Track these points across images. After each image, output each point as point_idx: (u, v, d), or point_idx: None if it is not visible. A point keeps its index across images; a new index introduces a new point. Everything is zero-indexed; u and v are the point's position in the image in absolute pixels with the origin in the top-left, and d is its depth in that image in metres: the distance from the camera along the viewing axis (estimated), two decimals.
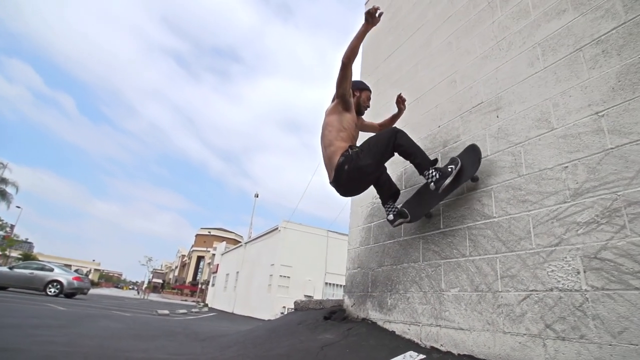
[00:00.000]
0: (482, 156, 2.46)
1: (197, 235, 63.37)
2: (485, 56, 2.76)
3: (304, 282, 14.78)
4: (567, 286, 1.79)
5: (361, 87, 2.92)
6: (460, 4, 3.22)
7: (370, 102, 3.01)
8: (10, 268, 13.78)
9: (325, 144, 2.63)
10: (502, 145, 2.38)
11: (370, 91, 2.98)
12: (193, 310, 16.20)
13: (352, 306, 3.46)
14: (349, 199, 4.19)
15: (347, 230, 4.16)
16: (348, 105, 2.67)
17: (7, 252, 38.09)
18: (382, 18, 2.58)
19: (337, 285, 15.24)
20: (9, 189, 30.58)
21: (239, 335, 4.50)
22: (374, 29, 2.64)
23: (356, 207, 4.01)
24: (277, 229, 15.97)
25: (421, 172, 2.46)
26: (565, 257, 1.83)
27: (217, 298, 24.80)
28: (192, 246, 63.64)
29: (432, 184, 2.36)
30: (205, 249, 53.10)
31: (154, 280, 61.69)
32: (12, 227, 39.33)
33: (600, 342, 1.61)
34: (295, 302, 4.48)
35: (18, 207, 35.92)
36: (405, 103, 3.18)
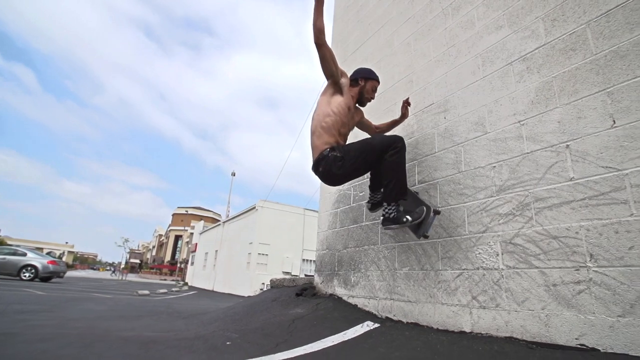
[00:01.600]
0: (431, 153, 2.81)
1: (174, 215, 62.79)
2: (437, 60, 3.06)
3: (282, 259, 15.27)
4: (489, 265, 2.20)
5: (367, 75, 2.65)
6: (419, 7, 3.48)
7: (372, 87, 2.70)
8: None
9: (312, 129, 2.49)
10: (447, 144, 2.73)
11: (377, 81, 2.70)
12: (173, 289, 16.48)
13: (321, 283, 3.85)
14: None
15: (320, 200, 4.50)
16: (337, 88, 2.50)
17: None
18: (349, 11, 2.77)
19: (314, 261, 15.85)
20: None
21: (220, 312, 4.85)
22: (341, 21, 2.82)
23: (325, 193, 4.34)
24: (254, 208, 16.25)
25: (385, 200, 2.38)
26: (489, 242, 2.23)
27: (197, 276, 25.12)
28: (170, 225, 63.14)
29: (383, 217, 2.38)
30: (182, 227, 52.84)
31: (132, 260, 61.09)
32: None
33: (509, 309, 2.03)
34: (271, 280, 4.85)
35: None
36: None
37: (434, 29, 3.20)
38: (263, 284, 13.17)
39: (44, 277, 13.29)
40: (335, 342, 2.35)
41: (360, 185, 3.65)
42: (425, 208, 2.29)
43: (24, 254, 13.87)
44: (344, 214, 3.83)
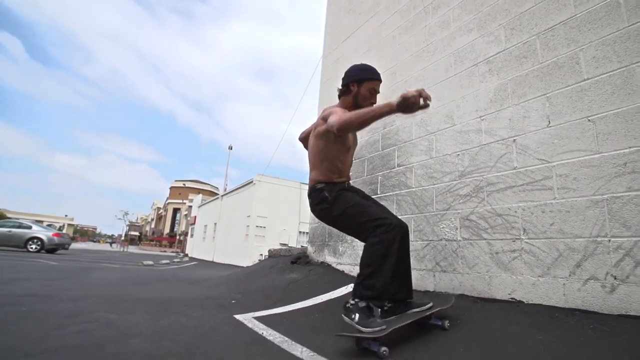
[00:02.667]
0: (409, 140, 3.21)
1: (171, 188, 63.30)
2: (417, 56, 3.40)
3: (279, 232, 15.89)
4: (450, 237, 2.66)
5: (361, 77, 2.07)
6: (404, 2, 3.76)
7: (368, 91, 2.12)
8: None
9: (310, 166, 2.15)
10: (422, 133, 3.13)
11: (376, 80, 2.11)
12: (175, 260, 17.20)
13: (313, 253, 4.34)
14: None
15: None
16: (340, 139, 2.03)
17: None
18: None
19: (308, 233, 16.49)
20: None
21: (223, 278, 5.38)
22: (334, 8, 2.94)
23: None
24: (252, 182, 16.70)
25: (353, 293, 1.84)
26: (450, 218, 2.68)
27: (197, 248, 25.90)
28: (167, 198, 63.78)
29: (345, 308, 1.80)
30: (180, 201, 53.50)
31: (131, 233, 62.25)
32: None
33: (463, 272, 2.51)
34: (269, 251, 5.36)
35: None
36: None
37: (416, 25, 3.52)
38: (261, 254, 13.82)
39: (49, 249, 13.83)
40: (324, 300, 2.84)
41: None
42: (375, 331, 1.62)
43: (29, 227, 14.38)
44: None
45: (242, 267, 8.76)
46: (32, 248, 13.39)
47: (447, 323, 1.91)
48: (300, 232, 16.59)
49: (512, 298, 2.19)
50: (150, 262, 12.54)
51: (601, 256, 1.84)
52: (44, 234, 14.05)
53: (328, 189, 1.99)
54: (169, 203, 61.53)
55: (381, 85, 3.31)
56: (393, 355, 1.63)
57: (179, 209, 55.99)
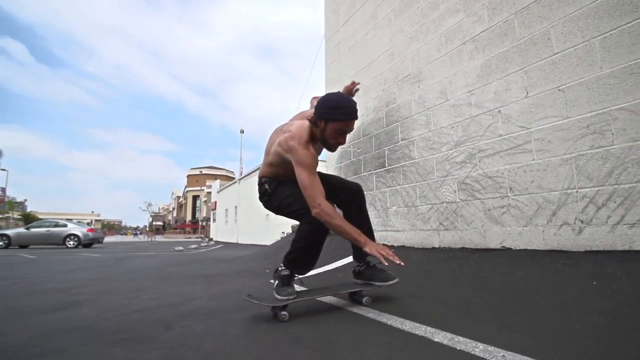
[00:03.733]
0: (409, 116, 3.56)
1: (188, 176, 64.75)
2: (412, 37, 3.68)
3: None
4: (450, 200, 3.05)
5: (328, 117, 1.78)
6: None
7: (335, 131, 1.82)
8: (27, 228, 15.07)
9: (264, 158, 2.10)
10: (421, 109, 3.46)
11: (345, 121, 1.80)
12: (202, 244, 18.12)
13: None
14: None
15: (327, 157, 5.33)
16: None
17: (10, 214, 39.35)
18: None
19: None
20: None
21: (253, 255, 5.94)
22: None
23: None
24: None
25: (282, 260, 1.98)
26: (450, 183, 3.06)
27: (220, 232, 26.92)
28: (186, 187, 65.38)
29: (275, 272, 2.01)
30: (199, 188, 54.88)
31: (155, 223, 64.44)
32: (3, 190, 39.66)
33: (462, 229, 2.91)
34: (292, 227, 5.85)
35: (3, 169, 36.21)
36: (359, 66, 4.05)
37: (409, 6, 3.77)
38: (283, 232, 14.46)
39: (85, 243, 14.81)
40: (345, 263, 3.31)
41: (357, 144, 4.44)
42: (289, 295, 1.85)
43: (65, 225, 15.40)
44: (346, 167, 4.66)
45: (266, 245, 9.35)
46: (70, 244, 14.40)
47: (366, 300, 2.04)
48: None
49: (502, 246, 2.59)
50: (181, 248, 13.37)
51: (571, 205, 2.21)
52: (79, 230, 15.05)
53: (269, 181, 2.03)
54: (187, 191, 63.12)
55: (383, 65, 3.39)
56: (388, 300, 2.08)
57: (198, 195, 57.47)
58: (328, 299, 2.21)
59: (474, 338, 1.36)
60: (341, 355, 1.28)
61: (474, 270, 2.41)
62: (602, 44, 2.13)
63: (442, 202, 3.13)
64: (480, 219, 2.78)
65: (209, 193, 37.03)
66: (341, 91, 2.12)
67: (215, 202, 29.49)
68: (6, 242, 13.92)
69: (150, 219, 67.58)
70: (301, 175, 1.76)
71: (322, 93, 5.21)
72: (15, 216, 42.54)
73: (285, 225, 14.66)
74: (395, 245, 3.61)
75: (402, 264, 1.67)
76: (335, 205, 2.07)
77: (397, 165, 3.70)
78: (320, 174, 1.99)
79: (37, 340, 1.56)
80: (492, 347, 1.26)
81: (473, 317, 1.67)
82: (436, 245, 3.15)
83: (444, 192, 3.12)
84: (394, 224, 3.67)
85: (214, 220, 30.35)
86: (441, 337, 1.40)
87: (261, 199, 2.12)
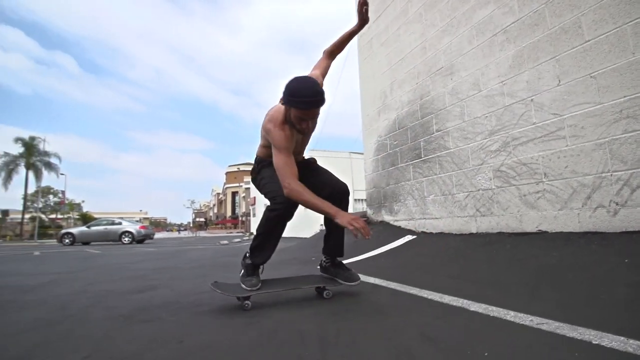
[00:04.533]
0: (443, 108, 3.69)
1: (227, 173, 67.09)
2: (443, 30, 3.79)
3: None
4: (486, 187, 3.18)
5: (288, 102, 1.75)
6: None
7: (297, 117, 1.76)
8: (88, 227, 16.52)
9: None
10: (454, 100, 3.58)
11: (302, 110, 1.73)
12: (244, 238, 18.93)
13: (372, 214, 5.02)
14: (366, 121, 5.49)
15: (364, 150, 5.54)
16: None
17: (70, 215, 43.12)
18: None
19: (364, 200, 17.18)
20: (53, 159, 33.84)
21: (296, 245, 6.30)
22: None
23: (367, 144, 5.35)
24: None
25: (247, 251, 2.08)
26: (485, 171, 3.19)
27: None
28: (225, 184, 67.83)
29: (242, 259, 2.11)
30: (237, 184, 56.71)
31: (197, 219, 67.55)
32: (63, 193, 43.06)
33: (499, 214, 3.04)
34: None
35: (62, 174, 39.46)
36: (392, 61, 4.21)
37: (439, 1, 3.88)
38: (321, 225, 14.85)
39: (139, 239, 15.98)
40: (385, 249, 3.53)
41: (394, 136, 4.62)
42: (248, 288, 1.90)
43: (120, 223, 16.71)
44: (383, 159, 4.85)
45: (305, 237, 9.71)
46: (125, 240, 15.63)
47: (326, 293, 2.05)
48: (355, 199, 17.34)
49: (539, 230, 2.71)
50: (226, 242, 14.12)
51: (606, 188, 2.30)
52: (133, 227, 16.28)
53: (257, 161, 2.11)
54: (227, 188, 65.45)
55: (416, 59, 3.45)
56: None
57: (236, 192, 59.49)
58: (372, 279, 2.46)
59: (506, 307, 1.55)
60: (390, 320, 1.53)
61: (510, 253, 2.56)
62: (634, 30, 2.19)
63: (478, 190, 3.26)
64: (516, 204, 2.90)
65: (248, 189, 38.24)
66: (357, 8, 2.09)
67: (254, 197, 30.45)
68: (71, 239, 15.35)
69: (193, 216, 70.85)
70: (275, 156, 1.82)
71: (356, 86, 5.35)
72: (74, 216, 46.38)
73: (322, 219, 15.03)
74: (434, 232, 3.78)
75: (368, 237, 1.64)
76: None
77: (433, 155, 3.85)
78: (316, 168, 2.15)
79: (138, 312, 1.93)
80: (522, 314, 1.45)
81: (507, 292, 1.85)
82: (473, 231, 3.30)
83: (479, 179, 3.25)
84: (432, 212, 3.83)
85: (254, 215, 31.37)
86: (476, 307, 1.61)
87: (251, 177, 2.21)
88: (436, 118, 3.84)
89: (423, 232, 3.91)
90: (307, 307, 1.86)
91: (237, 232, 40.67)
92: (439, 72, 3.82)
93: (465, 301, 1.71)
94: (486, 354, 1.08)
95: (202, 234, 43.00)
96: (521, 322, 1.36)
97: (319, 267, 2.25)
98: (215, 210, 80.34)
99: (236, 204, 61.91)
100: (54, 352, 1.31)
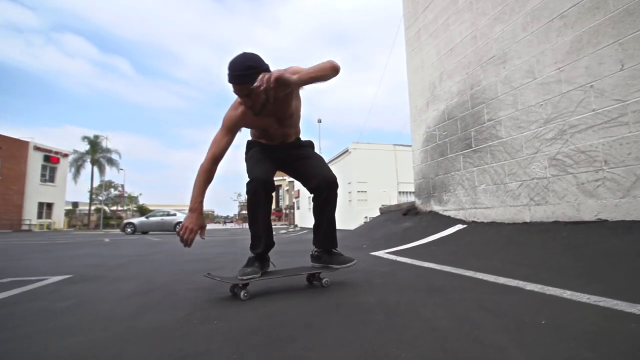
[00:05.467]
0: (495, 97, 3.67)
1: None
2: (495, 18, 3.75)
3: (379, 194, 16.76)
4: (540, 175, 3.15)
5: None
6: None
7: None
8: (147, 217, 17.87)
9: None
10: (507, 89, 3.55)
11: (232, 84, 1.66)
12: (290, 230, 19.52)
13: (421, 204, 5.08)
14: (414, 112, 5.52)
15: (412, 141, 5.56)
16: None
17: (129, 207, 46.78)
18: None
19: (409, 192, 16.96)
20: (113, 156, 36.78)
21: (347, 234, 6.49)
22: None
23: (415, 135, 5.39)
24: (347, 151, 17.71)
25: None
26: (540, 159, 3.16)
27: (304, 218, 28.43)
28: None
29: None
30: (281, 178, 58.00)
31: (242, 212, 70.12)
32: (122, 186, 46.44)
33: (554, 203, 3.02)
34: (379, 208, 6.24)
35: (122, 169, 42.74)
36: (441, 52, 4.21)
37: None
38: (365, 217, 14.93)
39: None
40: (436, 238, 3.62)
41: (443, 127, 4.63)
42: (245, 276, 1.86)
43: (175, 214, 17.94)
44: (432, 150, 4.88)
45: (350, 230, 9.87)
46: None
47: (325, 281, 2.04)
48: (399, 192, 17.23)
49: (598, 218, 2.67)
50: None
51: None
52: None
53: (248, 143, 2.13)
54: None
55: (466, 49, 3.43)
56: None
57: (280, 185, 60.85)
58: (426, 263, 2.58)
59: (562, 287, 1.63)
60: (448, 296, 1.66)
61: (566, 240, 2.56)
62: None
63: (532, 179, 3.24)
64: (573, 193, 2.86)
65: (291, 182, 39.10)
66: None
67: (299, 190, 31.09)
68: (132, 228, 16.74)
69: (239, 208, 73.65)
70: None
71: (399, 78, 5.44)
72: (132, 208, 50.14)
73: (366, 211, 15.13)
74: (485, 221, 3.79)
75: (187, 247, 1.76)
76: (308, 189, 2.06)
77: (484, 145, 3.84)
78: (308, 155, 2.08)
79: (217, 286, 2.21)
80: (579, 293, 1.53)
81: (563, 274, 1.91)
82: (527, 220, 3.28)
83: (534, 168, 3.23)
84: (483, 202, 3.84)
85: (298, 207, 32.06)
86: (532, 286, 1.70)
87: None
88: (487, 107, 3.82)
89: (474, 222, 3.93)
90: (366, 286, 2.04)
91: (282, 225, 41.81)
92: (491, 61, 3.80)
93: (521, 282, 1.80)
94: (543, 321, 1.20)
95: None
96: (578, 300, 1.44)
97: (311, 257, 2.23)
98: None
99: (280, 197, 63.41)
100: (158, 311, 1.59)
